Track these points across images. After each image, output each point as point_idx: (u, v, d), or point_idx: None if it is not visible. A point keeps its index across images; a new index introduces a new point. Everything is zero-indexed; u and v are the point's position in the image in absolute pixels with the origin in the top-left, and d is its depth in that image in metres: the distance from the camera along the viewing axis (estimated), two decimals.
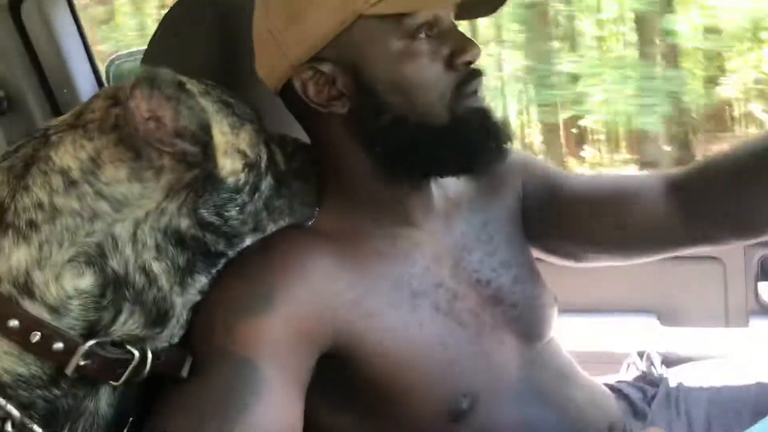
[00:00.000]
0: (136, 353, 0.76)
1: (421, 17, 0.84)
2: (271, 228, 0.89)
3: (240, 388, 0.75)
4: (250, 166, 0.85)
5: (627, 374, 1.31)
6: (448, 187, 1.02)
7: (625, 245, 1.08)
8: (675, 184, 1.03)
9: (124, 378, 0.76)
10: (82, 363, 0.73)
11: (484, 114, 0.90)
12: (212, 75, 1.03)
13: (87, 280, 0.74)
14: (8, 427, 0.71)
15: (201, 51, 1.06)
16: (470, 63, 0.88)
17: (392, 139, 0.88)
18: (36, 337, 0.71)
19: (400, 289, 0.91)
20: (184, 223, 0.79)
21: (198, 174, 0.79)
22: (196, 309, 0.83)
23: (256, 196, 0.86)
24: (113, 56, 1.86)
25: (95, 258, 0.74)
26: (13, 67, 1.72)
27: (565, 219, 1.08)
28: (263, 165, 0.87)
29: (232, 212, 0.83)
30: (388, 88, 0.86)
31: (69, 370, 0.72)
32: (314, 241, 0.89)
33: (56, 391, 0.74)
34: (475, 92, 0.90)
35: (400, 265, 0.93)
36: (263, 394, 0.76)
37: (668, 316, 1.69)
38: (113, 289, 0.75)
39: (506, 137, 0.91)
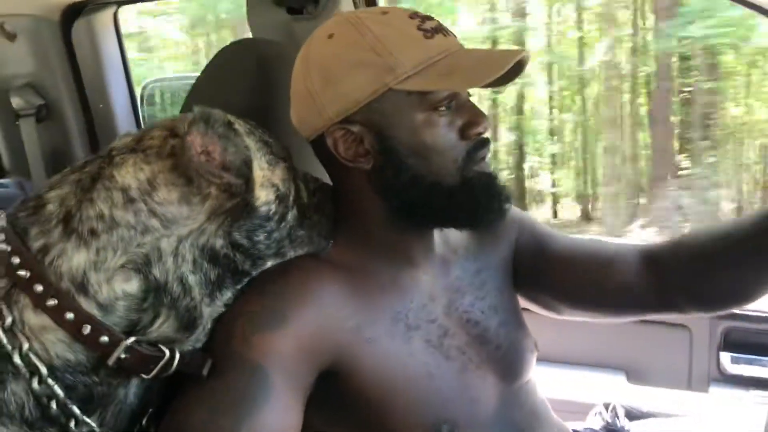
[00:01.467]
0: (167, 352, 0.87)
1: (442, 94, 0.97)
2: (290, 254, 1.00)
3: (252, 390, 0.86)
4: (281, 198, 0.95)
5: (593, 422, 1.41)
6: (449, 236, 1.14)
7: (599, 304, 1.20)
8: (650, 256, 1.15)
9: (154, 372, 0.86)
10: (122, 356, 0.83)
11: (490, 178, 1.02)
12: (249, 113, 1.16)
13: (134, 285, 0.84)
14: (53, 405, 0.81)
15: (241, 92, 1.18)
16: (481, 134, 1.01)
17: (409, 194, 1.00)
18: (87, 329, 0.81)
19: (398, 322, 1.02)
20: (219, 243, 0.90)
21: (238, 202, 0.90)
22: (219, 318, 0.94)
23: (283, 224, 0.96)
24: (147, 81, 1.98)
25: (142, 266, 0.85)
26: (56, 79, 1.83)
27: (548, 274, 1.20)
28: (291, 198, 0.98)
29: (261, 237, 0.93)
30: (409, 152, 0.98)
31: (111, 361, 0.83)
32: (327, 270, 1.01)
33: (95, 378, 0.84)
34: (483, 159, 1.02)
35: (400, 300, 1.04)
36: (271, 397, 0.87)
37: (635, 375, 1.79)
38: (154, 294, 0.85)
39: (507, 199, 1.03)
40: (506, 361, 1.11)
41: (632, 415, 1.43)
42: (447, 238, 1.14)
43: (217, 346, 0.92)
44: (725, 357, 1.71)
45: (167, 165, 0.88)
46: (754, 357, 1.69)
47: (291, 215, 0.98)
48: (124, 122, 1.91)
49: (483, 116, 1.00)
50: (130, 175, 0.87)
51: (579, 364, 1.83)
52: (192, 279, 0.88)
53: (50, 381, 0.81)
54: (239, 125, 0.93)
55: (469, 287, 1.12)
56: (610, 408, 1.43)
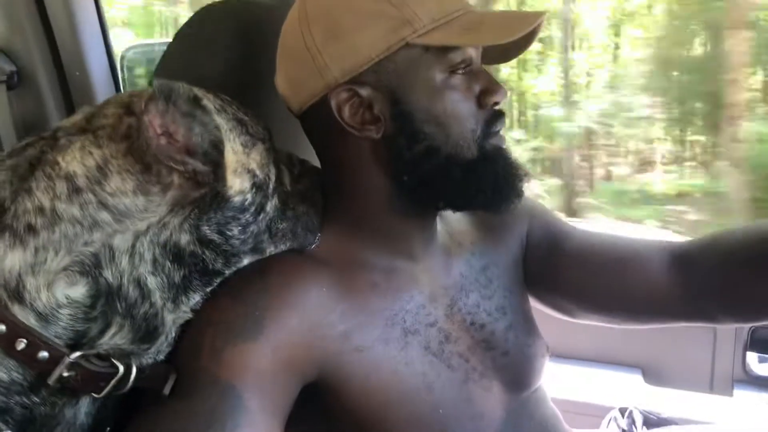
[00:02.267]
0: (121, 368, 0.75)
1: (463, 53, 0.86)
2: (270, 250, 0.88)
3: (221, 415, 0.74)
4: (258, 186, 0.83)
5: (608, 430, 1.30)
6: (453, 227, 1.02)
7: (620, 310, 1.07)
8: (682, 257, 1.01)
9: (106, 391, 0.74)
10: (65, 374, 0.71)
11: (506, 153, 0.91)
12: (228, 82, 1.03)
13: (79, 290, 0.72)
14: None
15: (220, 57, 1.05)
16: (498, 103, 0.89)
17: (423, 168, 0.88)
18: (21, 344, 0.69)
19: (393, 326, 0.90)
20: (185, 239, 0.78)
21: (206, 192, 0.78)
22: (185, 327, 0.82)
23: (261, 216, 0.84)
24: (129, 45, 1.86)
25: (90, 268, 0.73)
26: (28, 44, 1.70)
27: (563, 275, 1.07)
28: (271, 186, 0.86)
29: (235, 231, 0.81)
30: (426, 117, 0.86)
31: (51, 380, 0.71)
32: (311, 269, 0.88)
33: (35, 399, 0.72)
34: (500, 132, 0.90)
35: (396, 300, 0.92)
36: (244, 422, 0.74)
37: (653, 374, 1.67)
38: (105, 300, 0.73)
39: (525, 177, 0.92)
40: (514, 368, 1.00)
41: (650, 421, 1.32)
42: (451, 230, 1.01)
43: (183, 360, 0.80)
44: (752, 357, 1.59)
45: (121, 149, 0.75)
46: None
47: (271, 205, 0.86)
48: (102, 91, 1.78)
49: (500, 85, 0.89)
50: (76, 160, 0.75)
51: (591, 360, 1.71)
52: (152, 281, 0.77)
53: None
54: (208, 101, 0.80)
55: (475, 285, 1.00)
56: (627, 414, 1.32)
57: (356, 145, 0.89)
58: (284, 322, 0.82)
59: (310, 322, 0.84)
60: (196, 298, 0.81)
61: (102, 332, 0.74)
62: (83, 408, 0.77)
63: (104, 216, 0.73)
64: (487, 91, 0.88)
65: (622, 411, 1.33)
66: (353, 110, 0.87)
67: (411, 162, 0.88)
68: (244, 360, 0.78)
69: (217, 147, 0.76)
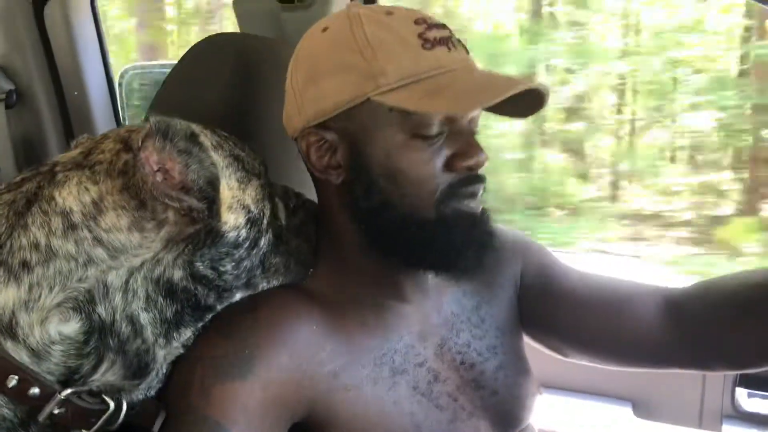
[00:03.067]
0: (112, 404, 0.75)
1: (425, 127, 0.83)
2: (263, 285, 0.88)
3: None
4: (253, 221, 0.83)
5: None
6: None
7: (612, 352, 1.07)
8: (674, 302, 1.01)
9: (96, 428, 0.74)
10: (56, 411, 0.71)
11: (472, 219, 0.89)
12: (227, 113, 1.03)
13: (72, 326, 0.72)
14: None
15: (218, 89, 1.06)
16: (471, 169, 0.87)
17: (378, 220, 0.87)
18: (13, 381, 0.69)
19: (382, 365, 0.90)
20: (178, 275, 0.78)
21: (200, 228, 0.78)
22: (176, 362, 0.82)
23: (254, 251, 0.84)
24: (127, 66, 1.87)
25: (84, 304, 0.72)
26: (28, 63, 1.72)
27: (556, 315, 1.07)
28: (265, 221, 0.86)
29: (228, 267, 0.81)
30: (382, 173, 0.85)
31: (42, 417, 0.71)
32: (302, 305, 0.88)
33: None
34: (471, 196, 0.88)
35: (385, 339, 0.92)
36: None
37: (643, 408, 1.66)
38: (98, 336, 0.73)
39: (487, 246, 0.90)
40: (502, 407, 0.99)
41: None
42: None
43: (172, 397, 0.80)
44: (741, 393, 1.58)
45: (117, 185, 0.76)
46: None
47: (264, 240, 0.86)
48: (100, 111, 1.79)
49: (478, 149, 0.87)
50: (72, 196, 0.75)
51: (581, 392, 1.71)
52: (144, 317, 0.77)
53: None
54: (205, 137, 0.81)
55: (466, 324, 1.00)
56: None
57: (325, 187, 0.91)
58: (274, 361, 0.82)
59: (300, 360, 0.84)
60: (187, 334, 0.81)
61: (94, 368, 0.74)
62: None
63: (99, 252, 0.73)
64: (460, 155, 0.86)
65: None
66: (320, 153, 0.88)
67: (367, 212, 0.88)
68: (232, 398, 0.78)
69: (213, 184, 0.77)
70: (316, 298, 0.90)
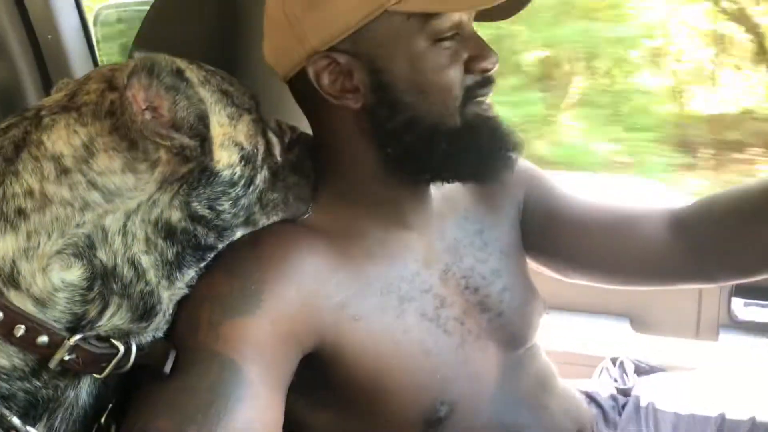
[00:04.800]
0: (121, 348, 0.74)
1: (448, 20, 0.82)
2: (263, 222, 0.86)
3: (223, 390, 0.73)
4: (247, 158, 0.82)
5: (600, 379, 1.32)
6: (446, 191, 1.01)
7: (619, 272, 1.08)
8: (679, 219, 1.02)
9: (107, 371, 0.74)
10: (66, 358, 0.71)
11: (493, 122, 0.89)
12: (213, 48, 1.00)
13: (75, 273, 0.71)
14: None
15: (203, 23, 1.03)
16: (487, 70, 0.86)
17: (405, 139, 0.86)
18: (20, 330, 0.68)
19: (389, 293, 0.90)
20: (176, 216, 0.77)
21: (194, 167, 0.76)
22: (181, 303, 0.81)
23: (251, 189, 0.83)
24: (101, 5, 1.80)
25: (84, 249, 0.71)
26: None
27: (561, 238, 1.08)
28: (260, 157, 0.84)
29: (225, 205, 0.80)
30: (407, 88, 0.84)
31: (53, 364, 0.70)
32: (306, 239, 0.87)
33: (37, 383, 0.72)
34: (485, 99, 0.88)
35: (391, 268, 0.91)
36: (246, 396, 0.74)
37: (640, 322, 1.69)
38: (101, 282, 0.72)
39: (515, 147, 0.90)
40: (509, 328, 1.01)
41: (640, 369, 1.34)
42: (445, 194, 1.00)
43: (181, 337, 0.79)
44: (737, 302, 1.61)
45: (106, 126, 0.73)
46: (766, 302, 1.59)
47: (261, 177, 0.84)
48: (76, 54, 1.73)
49: (492, 51, 0.86)
50: (62, 140, 0.73)
51: (580, 311, 1.73)
52: (146, 260, 0.76)
53: None
54: (192, 72, 0.78)
55: (469, 249, 1.00)
56: (618, 363, 1.34)
57: (339, 115, 0.88)
58: (281, 294, 0.81)
59: (307, 292, 0.83)
60: (190, 274, 0.81)
61: (100, 313, 0.73)
62: (85, 389, 0.76)
63: (95, 196, 0.72)
64: (477, 57, 0.85)
65: (614, 360, 1.35)
66: (332, 78, 0.85)
67: (393, 133, 0.86)
68: (242, 334, 0.77)
69: (203, 120, 0.75)
70: (319, 231, 0.89)
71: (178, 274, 0.79)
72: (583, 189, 1.13)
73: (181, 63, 0.76)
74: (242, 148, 0.81)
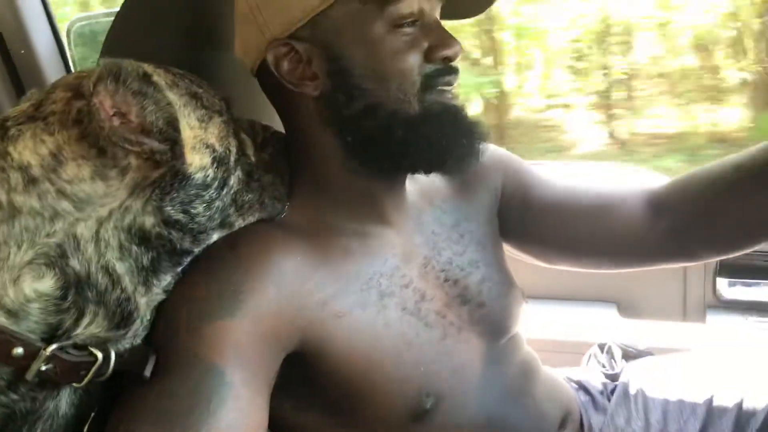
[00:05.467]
0: (100, 355, 0.74)
1: (405, 6, 0.83)
2: (239, 223, 0.86)
3: (205, 393, 0.73)
4: (219, 160, 0.81)
5: (588, 366, 1.32)
6: (423, 184, 1.01)
7: (600, 255, 1.08)
8: (657, 199, 1.02)
9: (87, 380, 0.73)
10: (43, 368, 0.70)
11: (455, 111, 0.88)
12: (182, 52, 0.99)
13: (47, 283, 0.70)
14: None
15: (170, 27, 1.02)
16: (449, 59, 0.87)
17: (363, 126, 0.86)
18: None
19: (369, 290, 0.90)
20: (149, 222, 0.76)
21: (165, 171, 0.76)
22: (160, 308, 0.80)
23: (225, 191, 0.82)
24: (74, 18, 1.79)
25: (56, 259, 0.71)
26: None
27: (540, 224, 1.08)
28: (232, 159, 0.83)
29: (199, 208, 0.79)
30: (364, 74, 0.84)
31: (30, 376, 0.69)
32: (284, 238, 0.87)
33: (14, 396, 0.71)
34: (448, 87, 0.88)
35: (370, 264, 0.91)
36: (228, 399, 0.74)
37: (627, 307, 1.70)
38: (75, 291, 0.72)
39: (479, 137, 0.89)
40: (490, 318, 1.01)
41: (629, 354, 1.34)
42: (420, 187, 1.01)
43: (161, 341, 0.79)
44: (722, 282, 1.62)
45: (74, 134, 0.73)
46: (751, 281, 1.60)
47: (234, 179, 0.83)
48: (50, 68, 1.72)
49: (454, 40, 0.86)
50: (29, 149, 0.72)
51: (566, 299, 1.73)
52: (120, 267, 0.75)
53: None
54: (159, 76, 0.78)
55: (447, 242, 1.00)
56: (605, 349, 1.34)
57: (301, 104, 0.88)
58: (259, 295, 0.81)
59: (287, 291, 0.83)
60: (167, 279, 0.80)
61: (76, 322, 0.72)
62: (65, 399, 0.76)
63: (64, 205, 0.71)
64: (438, 46, 0.86)
65: (601, 347, 1.35)
66: (292, 65, 0.85)
67: (351, 120, 0.86)
68: (222, 337, 0.77)
69: (172, 124, 0.74)
70: (296, 230, 0.89)
71: (154, 280, 0.78)
72: (564, 176, 1.14)
73: (148, 68, 0.76)
74: (214, 150, 0.80)
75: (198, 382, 0.74)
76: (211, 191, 0.80)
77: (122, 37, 1.03)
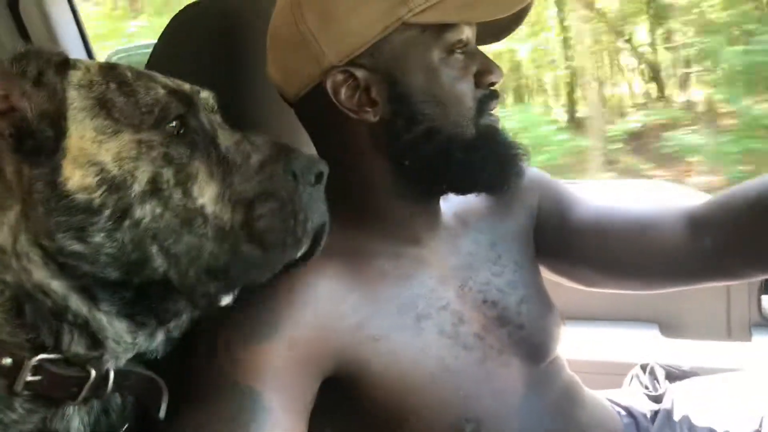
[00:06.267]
0: (93, 372, 0.70)
1: (460, 32, 0.85)
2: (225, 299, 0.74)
3: (243, 418, 0.74)
4: (110, 184, 0.67)
5: (630, 388, 1.29)
6: (456, 205, 1.01)
7: (640, 276, 1.07)
8: (697, 218, 1.01)
9: (81, 397, 0.70)
10: (29, 379, 0.67)
11: (502, 134, 0.91)
12: (217, 80, 1.01)
13: None
14: None
15: (204, 62, 1.03)
16: (494, 84, 0.89)
17: (422, 150, 0.87)
18: None
19: (406, 312, 0.89)
20: (52, 246, 0.67)
21: (39, 176, 0.67)
22: (198, 330, 0.79)
23: (127, 223, 0.68)
24: (114, 50, 1.83)
25: None
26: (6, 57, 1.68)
27: (577, 245, 1.07)
28: (136, 188, 0.68)
29: (97, 239, 0.67)
30: (424, 98, 0.86)
31: (18, 387, 0.67)
32: (318, 261, 0.85)
33: (13, 416, 0.68)
34: (493, 112, 0.90)
35: (406, 286, 0.91)
36: (267, 422, 0.74)
37: (670, 327, 1.66)
38: (32, 307, 0.68)
39: (521, 157, 0.91)
40: (530, 341, 0.99)
41: (672, 375, 1.31)
42: (455, 209, 1.00)
43: (198, 365, 0.80)
44: (767, 300, 1.57)
45: None
46: None
47: (144, 212, 0.68)
48: None
49: (497, 65, 0.89)
50: None
51: (606, 320, 1.70)
52: (57, 286, 0.68)
53: None
54: (83, 71, 0.71)
55: (484, 263, 1.00)
56: (648, 370, 1.31)
57: (354, 130, 0.89)
58: (296, 319, 0.81)
59: (322, 315, 0.83)
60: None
61: (57, 339, 0.69)
62: (76, 420, 0.72)
63: None
64: (485, 72, 0.88)
65: (644, 367, 1.32)
66: (350, 92, 0.86)
67: (410, 145, 0.87)
68: (260, 361, 0.77)
69: (52, 122, 0.67)
70: (331, 253, 0.88)
71: (100, 302, 0.70)
72: (596, 195, 1.13)
73: (82, 61, 0.71)
74: (103, 170, 0.68)
75: (236, 407, 0.74)
76: (104, 220, 0.67)
77: (159, 69, 1.05)
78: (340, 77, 0.86)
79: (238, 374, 0.76)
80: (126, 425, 0.78)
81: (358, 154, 0.90)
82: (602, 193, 1.17)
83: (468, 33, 0.87)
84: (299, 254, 0.75)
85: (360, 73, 0.85)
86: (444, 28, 0.85)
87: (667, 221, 1.03)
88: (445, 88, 0.86)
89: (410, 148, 0.87)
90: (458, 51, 0.87)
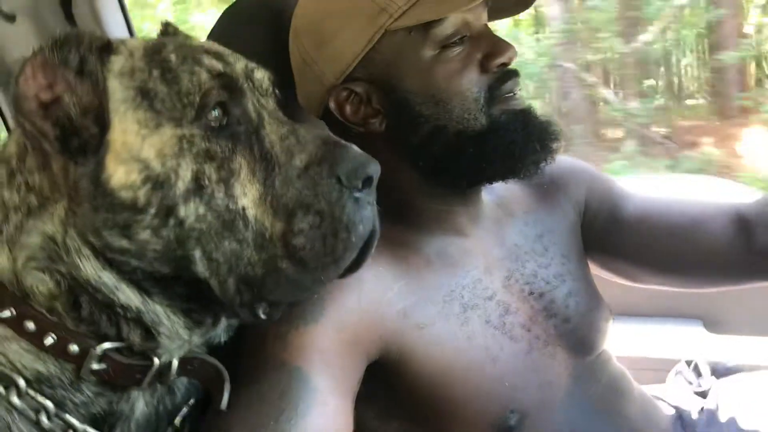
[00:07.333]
0: (156, 361, 0.71)
1: (449, 25, 0.84)
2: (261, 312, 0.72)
3: (292, 398, 0.76)
4: (155, 182, 0.65)
5: (675, 383, 1.29)
6: (503, 196, 1.01)
7: (687, 274, 1.06)
8: (746, 216, 1.00)
9: (146, 383, 0.72)
10: (95, 367, 0.69)
11: (523, 115, 0.89)
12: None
13: (47, 285, 0.68)
14: (44, 418, 0.68)
15: (257, 50, 1.05)
16: (504, 65, 0.87)
17: (432, 150, 0.88)
18: (49, 339, 0.67)
19: (451, 301, 0.90)
20: (99, 243, 0.67)
21: (84, 174, 0.66)
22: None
23: (172, 222, 0.66)
24: None
25: (45, 261, 0.68)
26: None
27: (625, 240, 1.06)
28: (180, 187, 0.66)
29: (143, 235, 0.66)
30: (422, 100, 0.86)
31: (84, 373, 0.69)
32: None
33: (81, 397, 0.70)
34: (512, 93, 0.88)
35: (452, 275, 0.92)
36: (315, 404, 0.76)
37: (714, 323, 1.64)
38: (87, 299, 0.68)
39: (552, 136, 0.89)
40: (577, 334, 0.99)
41: (717, 371, 1.29)
42: (501, 200, 1.01)
43: (249, 347, 0.82)
44: None
45: None
46: None
47: (187, 211, 0.66)
48: None
49: (506, 45, 0.87)
50: (13, 139, 0.70)
51: (650, 315, 1.69)
52: (108, 277, 0.68)
53: (31, 392, 0.68)
54: (125, 57, 0.67)
55: (530, 254, 1.00)
56: (692, 366, 1.30)
57: (370, 142, 0.88)
58: (343, 303, 0.83)
59: (369, 301, 0.85)
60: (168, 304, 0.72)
61: (118, 328, 0.70)
62: (141, 400, 0.75)
63: (32, 199, 0.68)
64: (491, 55, 0.87)
65: (688, 363, 1.31)
66: (354, 108, 0.88)
67: (420, 146, 0.88)
68: (308, 342, 0.79)
69: (98, 116, 0.65)
70: (378, 243, 0.90)
71: (152, 296, 0.70)
72: (651, 191, 1.12)
73: (126, 43, 0.68)
74: (147, 167, 0.65)
75: (285, 387, 0.76)
76: (148, 218, 0.66)
77: None
78: (343, 94, 0.88)
79: (287, 355, 0.78)
80: (191, 399, 0.80)
81: (383, 164, 0.91)
82: (651, 189, 1.16)
83: (461, 21, 0.85)
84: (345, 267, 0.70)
85: (359, 87, 0.87)
86: (429, 26, 0.84)
87: (717, 219, 1.02)
88: (442, 85, 0.85)
89: (421, 150, 0.89)
90: (454, 44, 0.85)
